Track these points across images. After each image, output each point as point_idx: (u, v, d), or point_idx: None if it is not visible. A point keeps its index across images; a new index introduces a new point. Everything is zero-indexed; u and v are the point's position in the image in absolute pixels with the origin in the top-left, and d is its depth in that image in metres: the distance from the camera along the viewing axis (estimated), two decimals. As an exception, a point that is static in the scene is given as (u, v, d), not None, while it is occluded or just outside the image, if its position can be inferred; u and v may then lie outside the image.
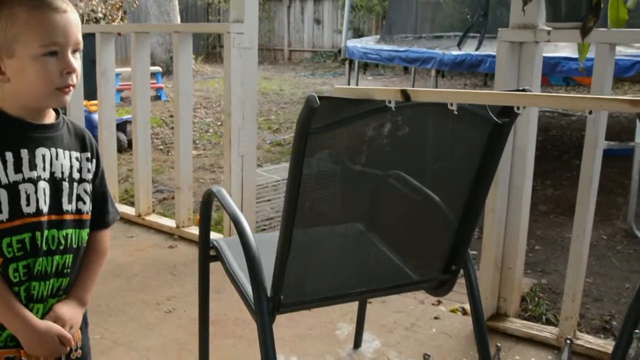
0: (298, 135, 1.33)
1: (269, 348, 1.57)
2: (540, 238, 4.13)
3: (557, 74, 4.71)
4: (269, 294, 1.59)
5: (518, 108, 1.21)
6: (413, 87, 8.21)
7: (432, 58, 5.44)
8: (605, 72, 2.21)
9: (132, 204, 4.02)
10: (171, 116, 7.30)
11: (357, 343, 2.46)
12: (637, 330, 1.49)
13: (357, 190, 1.57)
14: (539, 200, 4.86)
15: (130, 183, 4.72)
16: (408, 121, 1.45)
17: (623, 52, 5.21)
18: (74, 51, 1.29)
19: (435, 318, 2.69)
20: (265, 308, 1.58)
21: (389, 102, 1.30)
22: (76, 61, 1.30)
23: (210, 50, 15.98)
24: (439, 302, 2.90)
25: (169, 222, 3.71)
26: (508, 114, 1.46)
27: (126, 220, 3.83)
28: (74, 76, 1.30)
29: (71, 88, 1.30)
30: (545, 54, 4.93)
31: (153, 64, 10.81)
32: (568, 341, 1.36)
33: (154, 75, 9.92)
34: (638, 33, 2.29)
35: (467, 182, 1.64)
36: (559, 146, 6.54)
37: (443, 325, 2.63)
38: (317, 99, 1.27)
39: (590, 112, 1.12)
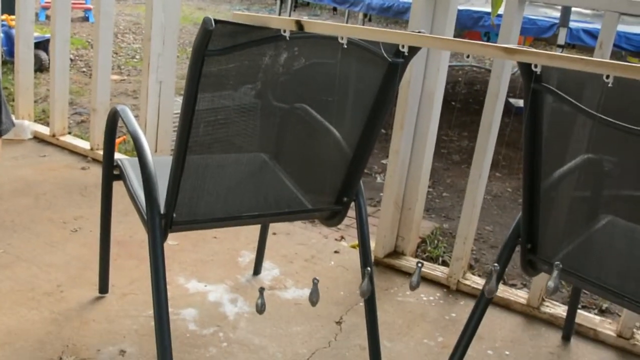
0: (193, 56, 1.36)
1: (159, 263, 1.63)
2: (450, 186, 4.29)
3: (479, 28, 4.81)
4: (162, 211, 1.63)
5: (403, 47, 1.27)
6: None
7: (360, 1, 5.47)
8: (512, 26, 2.30)
9: (47, 124, 3.95)
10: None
11: (257, 270, 2.54)
12: (495, 264, 1.60)
13: (255, 118, 1.62)
14: (454, 150, 5.02)
15: (49, 103, 4.62)
16: (305, 53, 1.50)
17: (548, 14, 5.36)
18: None
19: (336, 252, 2.79)
20: (157, 224, 1.63)
21: (284, 31, 1.35)
22: None
23: (145, -26, 15.50)
24: (342, 238, 3.01)
25: (84, 144, 3.67)
26: (402, 54, 1.52)
27: (40, 139, 3.77)
28: None
29: None
30: (469, 8, 5.04)
31: (82, -17, 10.47)
32: (419, 265, 1.47)
33: (83, -5, 9.63)
34: (545, -10, 2.37)
35: (361, 117, 1.70)
36: (480, 101, 6.67)
37: (342, 258, 2.74)
38: (212, 21, 1.30)
39: (468, 56, 1.19)
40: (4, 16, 5.15)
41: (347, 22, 8.32)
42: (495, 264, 1.64)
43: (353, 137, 1.75)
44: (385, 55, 1.52)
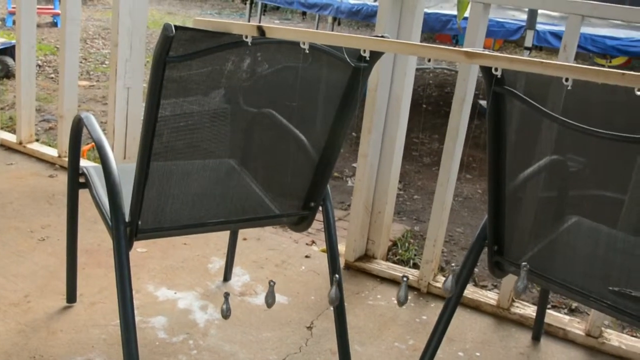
0: (155, 64, 1.35)
1: (124, 271, 1.62)
2: (420, 188, 4.31)
3: (447, 31, 4.84)
4: (127, 219, 1.62)
5: (364, 51, 1.28)
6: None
7: (329, 5, 5.48)
8: (477, 30, 2.32)
9: (14, 132, 3.90)
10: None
11: (227, 276, 2.53)
12: (453, 265, 1.61)
13: (219, 124, 1.61)
14: (425, 153, 5.04)
15: (16, 110, 4.56)
16: (269, 58, 1.49)
17: (516, 17, 5.41)
18: None
19: (306, 257, 2.78)
20: (123, 233, 1.61)
21: (246, 37, 1.34)
22: None
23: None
24: (313, 243, 3.00)
25: (51, 152, 3.63)
26: (365, 59, 1.52)
27: (6, 147, 3.73)
28: None
29: None
30: (437, 11, 5.07)
31: (50, -12, 10.38)
32: (405, 278, 1.46)
33: (51, 0, 9.54)
34: (509, -6, 2.39)
35: (327, 122, 1.70)
36: (451, 103, 6.73)
37: (312, 263, 2.73)
38: (172, 27, 1.30)
39: (430, 60, 1.19)
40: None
41: (317, 26, 8.34)
42: (454, 265, 1.64)
43: (319, 141, 1.75)
44: (348, 60, 1.52)
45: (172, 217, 1.67)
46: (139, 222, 1.61)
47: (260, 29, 1.31)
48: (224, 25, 1.36)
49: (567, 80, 1.24)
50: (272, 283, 1.46)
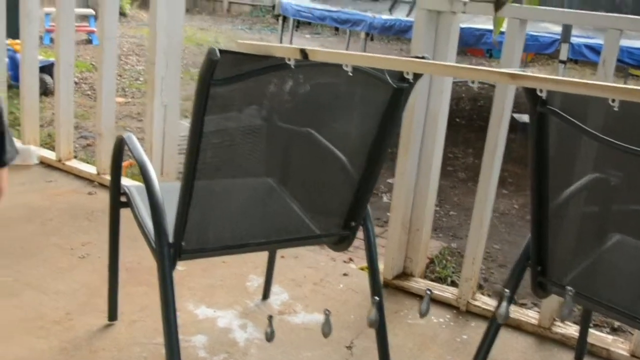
0: (199, 86, 1.37)
1: (168, 292, 1.63)
2: (457, 204, 4.28)
3: (481, 45, 4.82)
4: (170, 240, 1.63)
5: (408, 73, 1.27)
6: (347, 48, 8.24)
7: (362, 21, 5.49)
8: (514, 47, 2.30)
9: (53, 149, 3.96)
10: (102, 62, 7.14)
11: (266, 295, 2.53)
12: (505, 290, 1.59)
13: (261, 144, 1.62)
14: (460, 168, 5.01)
15: (55, 127, 4.64)
16: (311, 80, 1.50)
17: (549, 29, 5.36)
18: None
19: (344, 275, 2.78)
20: (167, 253, 1.62)
21: (289, 59, 1.35)
22: None
23: (146, -5, 15.53)
24: (350, 260, 2.99)
25: (90, 169, 3.68)
26: (407, 79, 1.52)
27: (46, 164, 3.78)
28: None
29: None
30: (471, 25, 5.05)
31: (87, 6, 10.56)
32: (428, 292, 1.46)
33: (86, 18, 9.68)
34: (548, 11, 2.38)
35: (368, 142, 1.70)
36: (484, 117, 6.66)
37: (351, 281, 2.72)
38: (217, 52, 1.31)
39: (473, 82, 1.19)
40: (9, 41, 5.18)
41: (348, 40, 8.35)
42: (506, 290, 1.63)
43: (359, 161, 1.75)
44: (390, 80, 1.52)
45: (214, 238, 1.68)
46: (183, 243, 1.62)
47: (303, 52, 1.32)
48: (267, 49, 1.37)
49: (613, 101, 1.22)
50: (327, 312, 1.45)
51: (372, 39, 7.94)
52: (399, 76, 1.55)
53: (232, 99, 1.45)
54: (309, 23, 8.39)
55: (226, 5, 15.81)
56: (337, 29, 6.94)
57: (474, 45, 4.89)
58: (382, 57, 1.26)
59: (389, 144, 1.70)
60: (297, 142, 1.72)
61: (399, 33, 5.29)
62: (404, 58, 1.23)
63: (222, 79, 1.37)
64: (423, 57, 1.49)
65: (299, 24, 7.40)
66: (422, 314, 1.46)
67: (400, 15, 5.52)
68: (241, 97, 1.47)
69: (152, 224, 1.64)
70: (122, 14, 11.90)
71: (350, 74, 1.31)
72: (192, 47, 9.61)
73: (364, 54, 1.33)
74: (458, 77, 1.30)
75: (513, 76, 1.19)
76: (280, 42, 7.23)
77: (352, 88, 1.56)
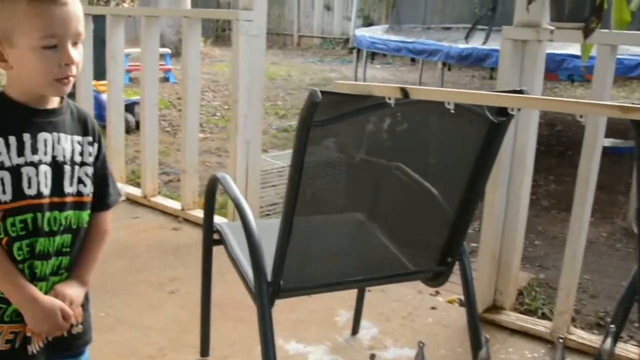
0: (300, 127, 1.38)
1: (267, 331, 1.63)
2: (541, 233, 4.17)
3: (562, 71, 4.73)
4: (269, 279, 1.64)
5: (512, 109, 1.26)
6: (420, 78, 8.23)
7: (438, 50, 5.46)
8: (606, 73, 2.25)
9: (138, 185, 4.07)
10: (179, 98, 7.33)
11: (355, 330, 2.51)
12: (611, 326, 1.54)
13: (357, 181, 1.62)
14: (542, 195, 4.90)
15: (137, 164, 4.77)
16: (408, 117, 1.50)
17: (630, 51, 5.22)
18: (75, 43, 1.32)
19: (432, 308, 2.74)
20: (265, 292, 1.63)
21: (389, 98, 1.35)
22: (76, 52, 1.32)
23: (219, 33, 15.92)
24: (437, 293, 2.95)
25: (174, 204, 3.76)
26: (505, 113, 1.50)
27: (132, 201, 3.88)
28: (73, 67, 1.32)
29: (71, 79, 1.33)
30: (551, 51, 4.96)
31: (162, 45, 10.78)
32: (561, 340, 1.41)
33: (163, 57, 9.94)
34: (638, 36, 2.32)
35: (464, 177, 1.69)
36: (563, 142, 6.55)
37: (439, 315, 2.68)
38: (319, 93, 1.32)
39: (581, 117, 1.16)
40: (93, 82, 5.37)
41: (421, 70, 8.33)
42: (611, 325, 1.57)
43: (455, 196, 1.73)
44: (489, 115, 1.51)
45: (311, 275, 1.69)
46: (281, 282, 1.63)
47: (403, 91, 1.32)
48: (367, 88, 1.38)
49: None
50: (421, 344, 1.43)
51: (449, 69, 7.92)
52: (497, 110, 1.53)
53: (331, 138, 1.46)
54: (384, 55, 8.44)
55: (296, 39, 16.05)
56: (413, 59, 6.93)
57: (555, 72, 4.80)
58: (486, 94, 1.25)
59: (486, 178, 1.68)
60: (391, 177, 1.71)
61: (476, 62, 5.25)
62: (509, 94, 1.21)
63: (323, 120, 1.38)
64: (521, 92, 1.47)
65: (373, 56, 7.45)
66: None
67: (476, 43, 5.47)
68: (340, 136, 1.48)
69: (252, 264, 1.66)
70: (196, 50, 12.15)
71: (453, 112, 1.30)
72: (266, 81, 9.77)
73: (465, 91, 1.32)
74: (571, 112, 1.26)
75: (623, 109, 1.16)
76: (356, 74, 7.28)
77: (449, 124, 1.55)
